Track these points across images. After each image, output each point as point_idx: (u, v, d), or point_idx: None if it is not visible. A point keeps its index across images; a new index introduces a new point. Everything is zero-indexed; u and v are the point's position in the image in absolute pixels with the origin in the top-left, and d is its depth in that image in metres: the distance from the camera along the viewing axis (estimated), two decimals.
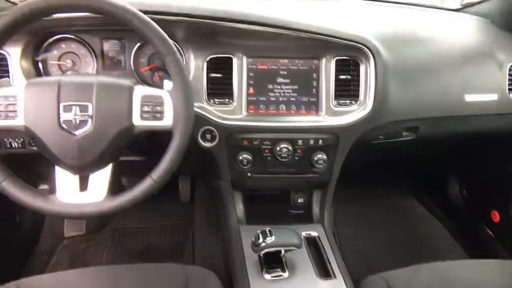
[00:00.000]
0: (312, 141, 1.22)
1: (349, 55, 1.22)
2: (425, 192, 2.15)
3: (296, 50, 1.22)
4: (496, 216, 1.70)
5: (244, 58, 1.20)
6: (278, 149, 1.20)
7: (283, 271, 1.08)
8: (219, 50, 1.19)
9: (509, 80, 1.38)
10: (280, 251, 1.05)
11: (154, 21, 0.91)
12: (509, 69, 1.39)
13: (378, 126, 1.26)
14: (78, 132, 0.89)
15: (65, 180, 0.93)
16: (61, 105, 0.88)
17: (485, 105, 1.36)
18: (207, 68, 1.18)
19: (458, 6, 1.68)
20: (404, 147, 1.44)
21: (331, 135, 1.23)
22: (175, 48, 0.92)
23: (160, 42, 0.91)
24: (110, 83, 0.93)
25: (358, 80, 1.22)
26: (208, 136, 1.18)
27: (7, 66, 1.11)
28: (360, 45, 1.19)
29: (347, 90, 1.23)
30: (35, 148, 1.13)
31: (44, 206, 0.90)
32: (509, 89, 1.38)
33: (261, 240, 1.02)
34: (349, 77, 1.23)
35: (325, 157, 1.24)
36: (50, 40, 1.17)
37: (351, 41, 1.18)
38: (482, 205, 1.79)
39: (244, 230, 1.27)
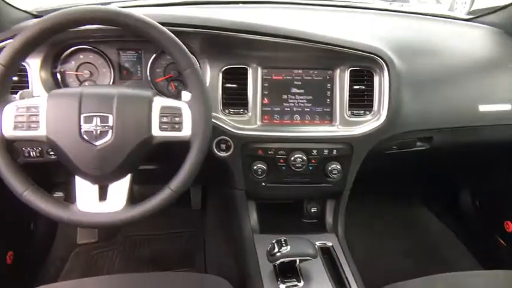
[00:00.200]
0: (326, 151, 1.22)
1: (363, 66, 1.23)
2: (437, 202, 2.14)
3: (310, 61, 1.23)
4: (509, 226, 1.69)
5: (259, 69, 1.21)
6: (292, 158, 1.21)
7: (298, 281, 1.08)
8: (235, 61, 1.20)
9: None
10: (295, 261, 1.05)
11: (172, 33, 0.93)
12: None
13: (391, 137, 1.27)
14: (99, 143, 0.90)
15: (84, 190, 0.94)
16: (82, 116, 0.90)
17: (499, 115, 1.36)
18: (223, 79, 1.20)
19: (470, 16, 1.69)
20: (418, 157, 1.44)
21: (345, 145, 1.23)
22: (194, 61, 0.94)
23: (180, 54, 0.93)
24: (130, 95, 0.95)
25: (372, 91, 1.23)
26: (223, 146, 1.20)
27: (27, 77, 1.13)
28: (374, 56, 1.19)
29: (361, 100, 1.24)
30: (52, 157, 1.15)
31: (66, 215, 0.91)
32: None
33: (276, 249, 1.02)
34: (363, 87, 1.24)
35: (339, 167, 1.24)
36: (68, 51, 1.20)
37: (365, 51, 1.19)
38: (495, 215, 1.78)
39: (258, 239, 1.27)
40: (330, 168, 1.24)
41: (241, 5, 1.52)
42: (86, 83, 1.22)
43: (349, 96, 1.23)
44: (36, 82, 1.14)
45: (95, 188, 0.95)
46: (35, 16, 1.37)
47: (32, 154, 1.15)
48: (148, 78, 1.23)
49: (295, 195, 1.40)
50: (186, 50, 0.94)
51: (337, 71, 1.23)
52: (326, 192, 1.35)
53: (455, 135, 1.37)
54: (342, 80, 1.23)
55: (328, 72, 1.23)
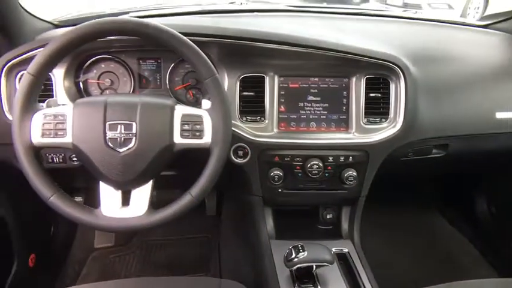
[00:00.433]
0: (342, 158, 1.24)
1: (379, 73, 1.24)
2: (453, 209, 2.14)
3: (326, 69, 1.25)
4: None
5: (276, 77, 1.23)
6: (309, 165, 1.22)
7: (315, 286, 1.09)
8: (252, 70, 1.22)
9: None
10: (311, 267, 1.06)
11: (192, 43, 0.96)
12: None
13: (407, 144, 1.28)
14: (123, 150, 0.93)
15: (108, 195, 0.97)
16: (107, 123, 0.93)
17: None
18: (240, 87, 1.22)
19: (484, 23, 1.69)
20: (434, 164, 1.44)
21: (362, 152, 1.24)
22: (215, 70, 0.96)
23: (201, 63, 0.95)
24: (152, 103, 0.97)
25: (388, 98, 1.24)
26: (240, 153, 1.22)
27: (52, 86, 1.17)
28: (390, 63, 1.21)
29: (377, 108, 1.25)
30: (75, 163, 1.19)
31: (91, 220, 0.94)
32: None
33: (293, 255, 1.03)
34: (379, 95, 1.25)
35: (355, 174, 1.25)
36: (91, 61, 1.23)
37: (381, 59, 1.21)
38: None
39: (274, 244, 1.28)
40: (346, 175, 1.25)
41: (256, 13, 1.54)
42: (107, 91, 1.25)
43: (365, 103, 1.24)
44: (60, 91, 1.17)
45: (118, 194, 0.97)
46: (57, 26, 1.41)
47: (55, 160, 1.18)
48: (167, 86, 1.26)
49: (311, 202, 1.41)
50: (207, 59, 0.96)
51: (353, 79, 1.24)
52: (342, 199, 1.36)
53: (472, 142, 1.37)
54: (358, 88, 1.24)
55: (344, 80, 1.25)
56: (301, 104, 1.25)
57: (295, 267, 1.04)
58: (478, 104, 1.34)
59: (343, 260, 1.24)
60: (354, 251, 1.28)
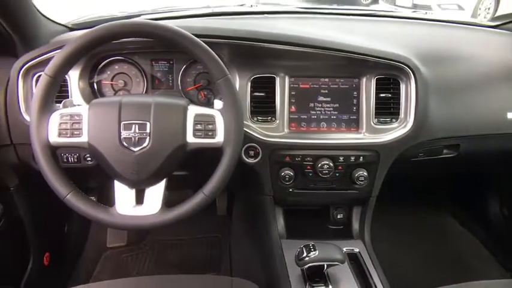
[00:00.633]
0: (352, 158, 1.24)
1: (390, 74, 1.25)
2: (464, 210, 2.13)
3: (337, 70, 1.26)
4: None
5: (287, 77, 1.24)
6: (319, 165, 1.23)
7: (326, 285, 1.09)
8: (263, 70, 1.24)
9: None
10: (322, 266, 1.07)
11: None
12: None
13: (418, 144, 1.28)
14: (137, 149, 0.95)
15: (122, 194, 0.99)
16: (122, 123, 0.95)
17: None
18: (251, 87, 1.23)
19: (495, 23, 1.68)
20: (445, 164, 1.44)
21: (372, 152, 1.25)
22: (227, 71, 0.98)
23: (213, 64, 0.97)
24: (166, 103, 0.99)
25: (399, 98, 1.25)
26: (251, 152, 1.23)
27: (67, 87, 1.19)
28: (400, 64, 1.21)
29: (387, 108, 1.26)
30: (89, 163, 1.21)
31: (106, 218, 0.96)
32: None
33: (304, 254, 1.04)
34: (390, 95, 1.25)
35: (365, 174, 1.25)
36: (104, 62, 1.26)
37: (391, 60, 1.21)
38: None
39: (285, 244, 1.29)
40: (356, 175, 1.25)
41: (265, 15, 1.55)
42: (121, 92, 1.27)
43: (376, 104, 1.25)
44: (75, 92, 1.20)
45: (132, 192, 0.99)
46: (71, 29, 1.44)
47: (70, 160, 1.21)
48: (180, 87, 1.28)
49: (321, 202, 1.42)
50: (219, 60, 0.98)
51: (364, 79, 1.25)
52: (352, 199, 1.37)
53: (483, 142, 1.37)
54: (368, 88, 1.25)
55: (354, 80, 1.26)
56: (312, 105, 1.26)
57: (306, 267, 1.05)
58: (489, 104, 1.34)
59: (354, 260, 1.25)
60: (365, 251, 1.28)
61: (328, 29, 1.42)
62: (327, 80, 1.26)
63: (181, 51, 0.98)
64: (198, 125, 0.98)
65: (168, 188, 1.02)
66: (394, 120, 1.26)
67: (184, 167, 1.05)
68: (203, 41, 0.98)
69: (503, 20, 1.63)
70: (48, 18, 1.33)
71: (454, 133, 1.32)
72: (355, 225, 1.40)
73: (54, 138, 0.95)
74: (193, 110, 0.99)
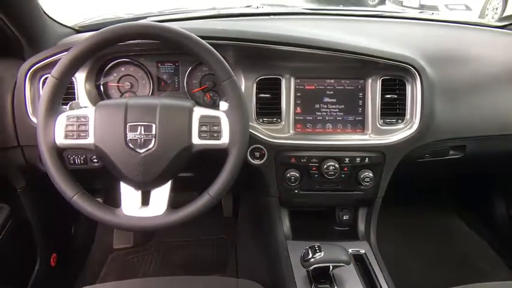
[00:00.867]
0: (358, 159, 1.24)
1: (395, 75, 1.24)
2: (470, 211, 2.11)
3: (342, 71, 1.26)
4: None
5: (292, 79, 1.24)
6: (325, 166, 1.23)
7: (332, 287, 1.09)
8: (268, 72, 1.24)
9: None
10: (328, 267, 1.06)
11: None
12: None
13: (424, 145, 1.28)
14: (143, 151, 0.95)
15: (128, 195, 0.99)
16: (128, 125, 0.95)
17: None
18: (256, 89, 1.24)
19: (502, 23, 1.67)
20: (451, 165, 1.44)
21: (378, 153, 1.25)
22: (232, 72, 0.98)
23: (218, 66, 0.97)
24: (171, 105, 1.00)
25: (405, 99, 1.25)
26: (257, 154, 1.23)
27: (74, 89, 1.20)
28: (406, 65, 1.21)
29: (393, 109, 1.25)
30: (95, 165, 1.22)
31: (113, 219, 0.97)
32: None
33: (310, 255, 1.03)
34: (395, 96, 1.25)
35: (371, 175, 1.25)
36: (111, 64, 1.27)
37: (397, 61, 1.21)
38: None
39: (291, 245, 1.29)
40: (362, 176, 1.25)
41: (271, 16, 1.56)
42: (127, 94, 1.28)
43: (381, 105, 1.25)
44: (81, 94, 1.21)
45: (138, 194, 1.00)
46: (78, 31, 1.45)
47: (76, 161, 1.22)
48: (185, 89, 1.28)
49: (327, 203, 1.41)
50: (224, 61, 0.98)
51: (369, 80, 1.25)
52: (358, 200, 1.36)
53: (489, 143, 1.36)
54: (373, 89, 1.25)
55: (360, 81, 1.25)
56: (317, 106, 1.26)
57: (311, 268, 1.05)
58: (495, 105, 1.33)
59: (359, 261, 1.24)
60: (371, 252, 1.28)
61: (334, 30, 1.42)
62: (332, 81, 1.26)
63: (187, 53, 0.98)
64: (204, 127, 0.98)
65: (173, 189, 1.02)
66: (400, 121, 1.25)
67: (189, 169, 1.05)
68: (208, 43, 0.98)
69: (511, 20, 1.62)
70: (55, 21, 1.34)
71: (460, 134, 1.32)
72: (361, 227, 1.40)
73: (60, 140, 0.96)
74: (198, 112, 1.00)
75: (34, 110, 1.18)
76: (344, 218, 1.41)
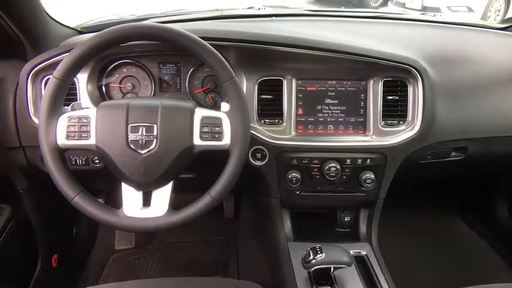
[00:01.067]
0: (360, 161, 1.24)
1: (397, 76, 1.24)
2: (472, 212, 2.11)
3: (344, 72, 1.26)
4: None
5: (294, 80, 1.25)
6: (326, 168, 1.22)
7: None
8: (270, 73, 1.24)
9: None
10: (329, 269, 1.06)
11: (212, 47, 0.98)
12: None
13: (426, 147, 1.27)
14: (144, 152, 0.95)
15: (130, 196, 0.99)
16: (129, 126, 0.95)
17: None
18: (258, 90, 1.24)
19: (504, 25, 1.67)
20: (453, 167, 1.43)
21: (379, 155, 1.24)
22: (234, 73, 0.98)
23: (220, 67, 0.97)
24: (173, 105, 1.00)
25: (406, 101, 1.24)
26: (258, 155, 1.23)
27: (75, 90, 1.21)
28: (407, 66, 1.21)
29: (395, 110, 1.25)
30: (97, 165, 1.22)
31: (114, 220, 0.97)
32: None
33: (311, 256, 1.03)
34: (397, 97, 1.25)
35: (373, 176, 1.25)
36: (113, 65, 1.27)
37: (398, 62, 1.21)
38: None
39: (292, 246, 1.29)
40: (363, 177, 1.25)
41: (273, 18, 1.56)
42: (129, 95, 1.28)
43: (383, 106, 1.24)
44: (83, 95, 1.21)
45: (139, 195, 1.00)
46: (80, 32, 1.46)
47: (78, 162, 1.22)
48: (187, 90, 1.28)
49: (328, 204, 1.41)
50: (226, 62, 0.98)
51: (371, 82, 1.25)
52: (360, 202, 1.36)
53: (491, 145, 1.36)
54: (375, 91, 1.24)
55: (361, 82, 1.25)
56: (319, 107, 1.26)
57: (313, 269, 1.05)
58: (497, 107, 1.33)
59: (361, 262, 1.24)
60: (372, 253, 1.27)
61: (336, 31, 1.42)
62: (334, 82, 1.26)
63: (189, 54, 0.99)
64: (205, 128, 0.98)
65: (175, 190, 1.02)
66: (401, 122, 1.25)
67: (191, 170, 1.05)
68: (210, 44, 0.98)
69: None
70: (57, 22, 1.34)
71: (462, 136, 1.32)
72: (363, 228, 1.39)
73: (62, 140, 0.96)
74: (200, 113, 1.00)
75: (36, 111, 1.18)
76: (345, 220, 1.41)
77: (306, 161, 1.24)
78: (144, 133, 0.95)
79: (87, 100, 1.21)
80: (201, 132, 0.98)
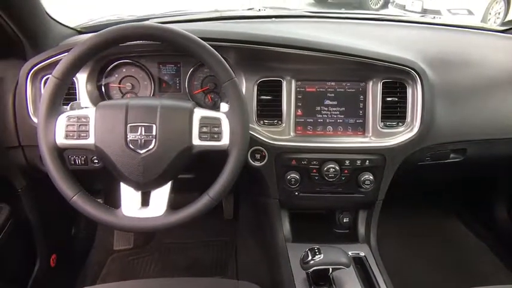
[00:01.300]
0: (358, 162, 1.24)
1: (396, 78, 1.24)
2: (471, 214, 2.11)
3: (343, 73, 1.26)
4: None
5: (293, 81, 1.25)
6: (325, 169, 1.23)
7: None
8: (269, 74, 1.24)
9: None
10: (327, 270, 1.06)
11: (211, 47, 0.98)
12: None
13: (424, 148, 1.27)
14: (143, 151, 0.95)
15: (128, 196, 0.99)
16: (128, 125, 0.95)
17: None
18: (257, 91, 1.24)
19: (504, 27, 1.67)
20: (452, 168, 1.44)
21: (378, 156, 1.24)
22: (233, 74, 0.98)
23: (219, 67, 0.97)
24: (172, 106, 1.00)
25: (405, 102, 1.25)
26: (257, 156, 1.23)
27: (75, 89, 1.21)
28: (407, 68, 1.21)
29: (394, 112, 1.25)
30: (96, 165, 1.22)
31: (112, 220, 0.97)
32: None
33: (310, 257, 1.03)
34: (396, 99, 1.25)
35: (371, 177, 1.25)
36: (112, 65, 1.27)
37: (398, 64, 1.21)
38: None
39: (291, 247, 1.29)
40: (362, 178, 1.25)
41: (273, 19, 1.56)
42: (128, 95, 1.29)
43: (382, 107, 1.25)
44: (83, 94, 1.21)
45: (138, 195, 1.00)
46: (80, 32, 1.46)
47: (77, 162, 1.22)
48: (186, 90, 1.28)
49: (327, 205, 1.41)
50: (225, 63, 0.98)
51: (370, 83, 1.25)
52: (358, 203, 1.36)
53: (490, 147, 1.36)
54: (374, 92, 1.25)
55: (360, 84, 1.25)
56: (318, 108, 1.26)
57: (311, 270, 1.05)
58: (496, 109, 1.33)
59: (359, 264, 1.24)
60: (371, 255, 1.28)
61: (336, 33, 1.42)
62: (333, 83, 1.26)
63: (189, 54, 0.99)
64: (204, 128, 0.99)
65: (173, 190, 1.02)
66: (400, 124, 1.25)
67: (190, 170, 1.05)
68: (210, 45, 0.99)
69: None
70: (57, 22, 1.35)
71: (461, 137, 1.32)
72: (361, 229, 1.40)
73: (61, 140, 0.96)
74: (199, 113, 1.00)
75: (35, 110, 1.19)
76: (344, 221, 1.41)
77: (305, 162, 1.24)
78: (143, 133, 0.95)
79: (87, 100, 1.21)
80: (200, 133, 0.98)
